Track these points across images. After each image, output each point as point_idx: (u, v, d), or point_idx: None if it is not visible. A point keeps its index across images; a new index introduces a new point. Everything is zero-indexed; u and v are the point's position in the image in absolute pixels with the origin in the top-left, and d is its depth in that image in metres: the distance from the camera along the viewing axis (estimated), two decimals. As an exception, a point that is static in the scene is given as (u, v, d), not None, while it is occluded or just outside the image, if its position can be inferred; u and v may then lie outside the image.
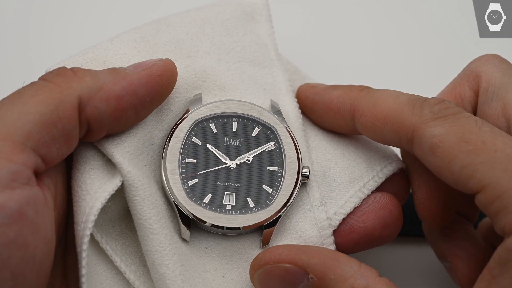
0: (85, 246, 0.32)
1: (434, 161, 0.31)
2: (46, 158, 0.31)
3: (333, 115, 0.37)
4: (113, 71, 0.33)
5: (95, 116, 0.32)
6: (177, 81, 0.36)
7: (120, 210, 0.35)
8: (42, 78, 0.32)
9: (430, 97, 0.33)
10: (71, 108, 0.31)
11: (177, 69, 0.36)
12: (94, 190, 0.33)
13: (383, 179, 0.37)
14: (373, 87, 0.37)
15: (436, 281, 0.44)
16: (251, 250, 0.36)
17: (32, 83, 0.31)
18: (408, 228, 0.42)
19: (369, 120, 0.35)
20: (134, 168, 0.33)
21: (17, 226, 0.29)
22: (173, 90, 0.36)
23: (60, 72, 0.32)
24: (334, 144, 0.39)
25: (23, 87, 0.31)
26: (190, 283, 0.33)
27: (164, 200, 0.35)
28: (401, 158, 0.39)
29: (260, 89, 0.39)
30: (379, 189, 0.37)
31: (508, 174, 0.28)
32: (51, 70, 0.33)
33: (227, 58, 0.39)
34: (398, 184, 0.38)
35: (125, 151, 0.34)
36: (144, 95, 0.33)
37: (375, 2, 0.52)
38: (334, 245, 0.36)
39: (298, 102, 0.39)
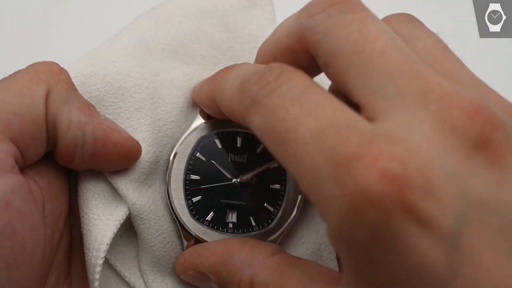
0: (97, 276, 0.32)
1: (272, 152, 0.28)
2: (25, 155, 0.31)
3: (212, 111, 0.35)
4: (87, 110, 0.33)
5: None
6: (178, 90, 0.36)
7: (126, 220, 0.36)
8: (31, 68, 0.32)
9: (268, 65, 0.30)
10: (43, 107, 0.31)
11: (178, 78, 0.36)
12: (106, 216, 0.33)
13: None
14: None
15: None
16: None
17: (19, 72, 0.31)
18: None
19: (224, 115, 0.32)
20: (139, 198, 0.34)
21: (4, 214, 0.29)
22: (175, 100, 0.36)
23: (52, 68, 0.32)
24: None
25: (9, 75, 0.31)
26: None
27: (170, 218, 0.35)
28: None
29: None
30: None
31: (304, 169, 0.25)
32: (42, 61, 0.33)
33: (224, 61, 0.39)
34: None
35: (129, 180, 0.34)
36: (90, 145, 0.33)
37: (375, 2, 0.51)
38: (335, 252, 0.36)
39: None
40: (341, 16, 0.28)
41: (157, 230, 0.34)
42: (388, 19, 0.32)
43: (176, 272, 0.35)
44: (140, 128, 0.35)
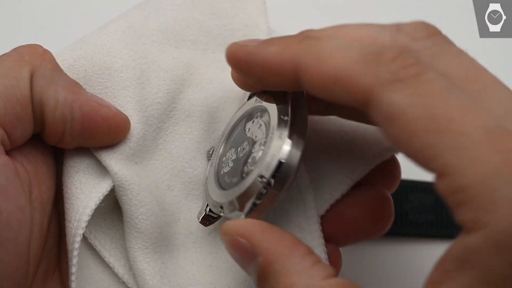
0: (76, 245, 0.32)
1: (392, 130, 0.27)
2: (11, 137, 0.31)
3: (274, 76, 0.32)
4: (73, 87, 0.33)
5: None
6: (166, 73, 0.36)
7: (111, 203, 0.36)
8: (15, 50, 0.32)
9: (386, 45, 0.29)
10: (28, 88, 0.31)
11: (166, 61, 0.36)
12: (88, 189, 0.33)
13: (373, 166, 0.36)
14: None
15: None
16: None
17: (3, 55, 0.32)
18: (409, 227, 0.42)
19: (316, 80, 0.29)
20: (121, 168, 0.34)
21: None
22: (162, 82, 0.36)
23: (36, 49, 0.32)
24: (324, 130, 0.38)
25: None
26: (169, 278, 0.34)
27: (156, 192, 0.35)
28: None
29: None
30: (369, 179, 0.36)
31: (475, 165, 0.25)
32: (25, 45, 0.33)
33: (213, 47, 0.39)
34: (389, 171, 0.37)
35: (115, 153, 0.35)
36: (78, 121, 0.32)
37: (376, 1, 0.51)
38: (320, 231, 0.35)
39: (230, 65, 0.34)
40: (448, 46, 0.28)
41: (139, 201, 0.34)
42: (408, 33, 0.30)
43: (224, 229, 0.32)
44: (127, 106, 0.35)
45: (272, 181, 0.33)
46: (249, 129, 0.36)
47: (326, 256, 0.35)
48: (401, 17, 0.34)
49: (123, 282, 0.35)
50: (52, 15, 0.52)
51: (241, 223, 0.32)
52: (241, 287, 0.35)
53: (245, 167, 0.35)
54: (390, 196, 0.36)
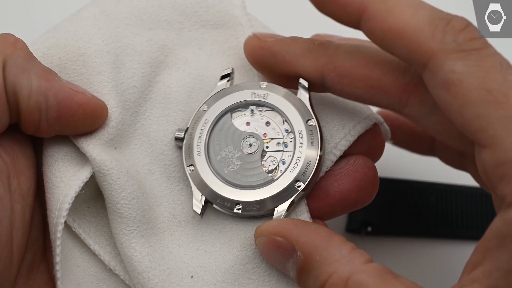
0: (59, 234, 0.32)
1: (446, 97, 0.28)
2: None
3: (338, 9, 0.32)
4: (47, 75, 0.32)
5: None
6: (140, 56, 0.36)
7: (93, 190, 0.36)
8: None
9: (453, 14, 0.30)
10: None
11: (140, 44, 0.36)
12: (68, 177, 0.33)
13: (355, 137, 0.37)
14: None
15: (438, 281, 0.44)
16: (225, 220, 0.36)
17: None
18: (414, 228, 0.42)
19: (381, 30, 0.30)
20: (100, 153, 0.34)
21: None
22: (137, 65, 0.36)
23: (7, 38, 0.33)
24: None
25: None
26: (159, 262, 0.34)
27: (136, 177, 0.35)
28: (374, 112, 0.37)
29: (224, 55, 0.39)
30: (352, 149, 0.36)
31: None
32: None
33: (189, 25, 0.39)
34: (372, 141, 0.37)
35: (94, 138, 0.35)
36: (54, 109, 0.33)
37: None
38: (307, 212, 0.36)
39: (248, 60, 0.37)
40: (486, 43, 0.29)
41: (120, 185, 0.34)
42: (455, 30, 0.30)
43: (259, 231, 0.34)
44: (104, 91, 0.35)
45: (305, 185, 0.34)
46: (248, 123, 0.36)
47: None
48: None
49: (110, 269, 0.35)
50: (24, 4, 0.51)
51: (274, 223, 0.33)
52: (231, 270, 0.35)
53: (268, 168, 0.35)
54: (373, 165, 0.37)
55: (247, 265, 0.35)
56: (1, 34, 0.34)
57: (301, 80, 0.36)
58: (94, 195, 0.37)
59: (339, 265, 0.31)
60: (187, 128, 0.38)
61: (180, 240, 0.37)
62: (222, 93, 0.38)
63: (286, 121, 0.37)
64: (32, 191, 0.35)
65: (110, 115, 0.36)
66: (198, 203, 0.36)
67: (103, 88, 0.36)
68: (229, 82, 0.38)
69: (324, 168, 0.37)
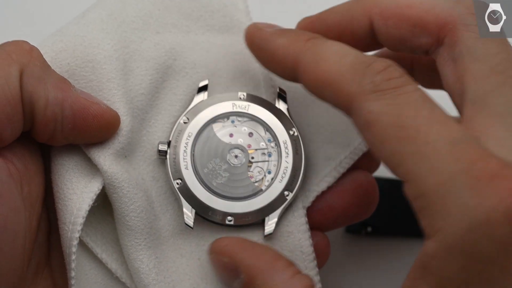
0: (74, 249, 0.32)
1: (367, 136, 0.29)
2: (1, 137, 0.31)
3: (278, 67, 0.35)
4: (63, 85, 0.33)
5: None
6: (148, 62, 0.37)
7: (100, 198, 0.36)
8: (1, 48, 0.32)
9: (376, 57, 0.31)
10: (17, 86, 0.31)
11: (148, 49, 0.36)
12: (80, 189, 0.33)
13: (359, 155, 0.37)
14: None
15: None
16: (224, 228, 0.36)
17: None
18: (408, 228, 0.42)
19: (311, 79, 0.32)
20: (111, 166, 0.34)
21: None
22: (144, 72, 0.36)
23: (22, 46, 0.33)
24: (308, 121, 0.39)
25: None
26: (164, 274, 0.35)
27: (145, 188, 0.35)
28: None
29: (230, 60, 0.39)
30: (353, 164, 0.38)
31: (433, 173, 0.26)
32: (11, 41, 0.33)
33: (195, 29, 0.39)
34: (370, 156, 0.38)
35: (106, 149, 0.35)
36: (70, 120, 0.33)
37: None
38: (306, 224, 0.36)
39: (247, 45, 0.37)
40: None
41: (130, 198, 0.34)
42: (467, 7, 0.32)
43: (210, 248, 0.35)
44: (114, 99, 0.35)
45: (293, 194, 0.36)
46: (231, 135, 0.37)
47: (312, 248, 0.36)
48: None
49: (117, 277, 0.35)
50: (24, 4, 0.51)
51: (225, 241, 0.34)
52: None
53: (256, 178, 0.36)
54: (374, 179, 0.37)
55: None
56: (16, 41, 0.34)
57: (279, 90, 0.38)
58: (100, 202, 0.37)
59: None
60: (169, 141, 0.38)
61: (182, 249, 0.37)
62: (202, 105, 0.38)
63: (267, 131, 0.38)
64: (40, 197, 0.35)
65: (121, 124, 0.36)
66: (189, 216, 0.36)
67: (113, 95, 0.36)
68: (206, 94, 0.38)
69: (325, 183, 0.37)
